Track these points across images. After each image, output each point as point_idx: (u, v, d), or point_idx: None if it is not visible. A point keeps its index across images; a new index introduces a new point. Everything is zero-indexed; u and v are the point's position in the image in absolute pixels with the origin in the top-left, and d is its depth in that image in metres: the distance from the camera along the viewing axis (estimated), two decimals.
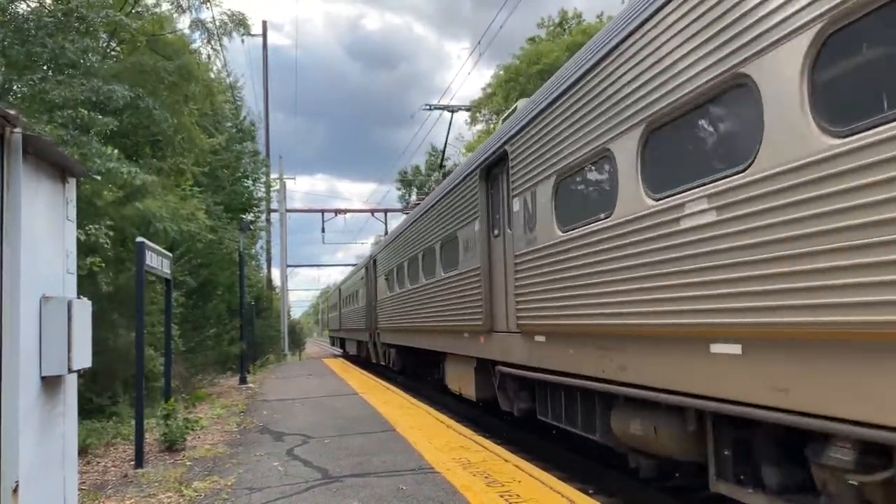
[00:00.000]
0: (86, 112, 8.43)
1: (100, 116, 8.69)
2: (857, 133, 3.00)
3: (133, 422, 7.51)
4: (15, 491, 3.35)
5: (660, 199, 4.54)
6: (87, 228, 7.67)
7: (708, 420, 4.29)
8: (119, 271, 9.60)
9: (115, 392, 9.43)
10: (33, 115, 7.98)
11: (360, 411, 10.53)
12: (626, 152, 4.92)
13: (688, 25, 4.16)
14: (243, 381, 17.24)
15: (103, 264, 8.22)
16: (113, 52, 11.67)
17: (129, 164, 8.95)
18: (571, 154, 5.90)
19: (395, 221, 34.62)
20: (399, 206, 50.75)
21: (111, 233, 8.19)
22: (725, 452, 4.15)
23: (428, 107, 18.25)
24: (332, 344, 48.23)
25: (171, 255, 8.41)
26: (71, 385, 4.19)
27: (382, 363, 20.28)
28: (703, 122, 4.22)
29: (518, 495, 5.12)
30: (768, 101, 3.52)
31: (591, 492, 6.19)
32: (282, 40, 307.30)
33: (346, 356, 33.43)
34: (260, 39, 31.85)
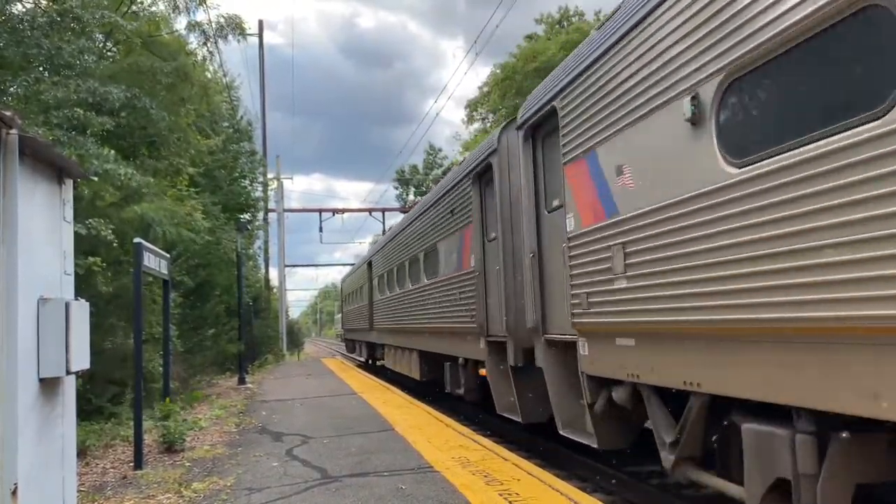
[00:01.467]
0: (81, 112, 8.41)
1: (96, 116, 8.67)
2: None
3: (132, 423, 7.51)
4: (14, 493, 3.34)
5: None
6: (87, 223, 7.62)
7: None
8: (117, 272, 9.59)
9: (113, 393, 9.42)
10: (29, 115, 7.96)
11: (359, 411, 10.53)
12: None
13: None
14: (242, 381, 17.22)
15: (104, 264, 8.21)
16: (109, 53, 11.65)
17: (126, 166, 8.94)
18: None
19: (393, 221, 34.52)
20: (397, 205, 50.75)
21: (112, 227, 8.16)
22: None
23: None
24: (351, 350, 31.66)
25: (168, 255, 8.41)
26: (69, 386, 4.19)
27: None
28: None
29: (517, 494, 5.12)
30: None
31: (590, 490, 6.20)
32: (276, 39, 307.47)
33: (366, 365, 24.58)
34: (255, 38, 31.80)
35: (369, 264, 21.31)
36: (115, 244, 8.14)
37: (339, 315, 58.02)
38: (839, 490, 3.45)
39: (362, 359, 26.66)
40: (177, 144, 12.00)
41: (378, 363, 22.52)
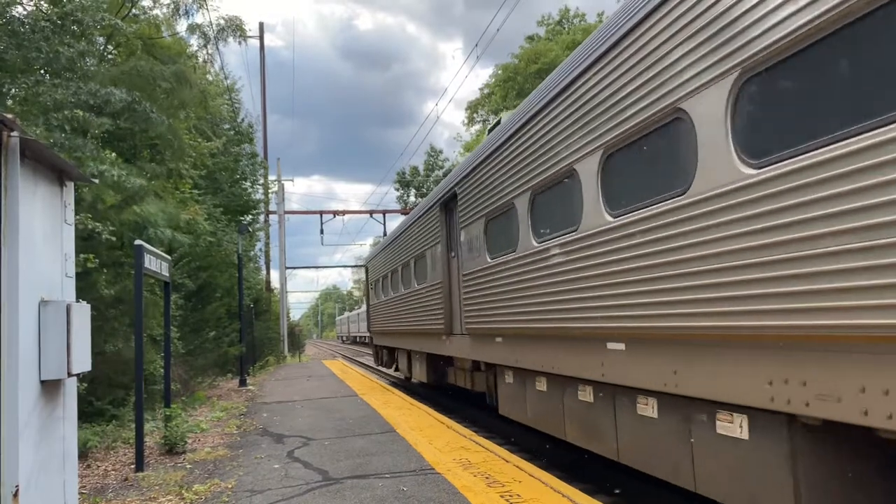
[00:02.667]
0: (81, 114, 8.41)
1: (95, 118, 8.67)
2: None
3: (133, 425, 7.51)
4: (15, 495, 3.34)
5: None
6: (77, 217, 7.56)
7: None
8: (118, 275, 9.59)
9: (115, 395, 9.42)
10: (27, 117, 7.97)
11: (360, 412, 10.52)
12: None
13: None
14: (243, 383, 17.23)
15: (97, 260, 8.16)
16: (109, 56, 11.67)
17: (121, 168, 8.93)
18: None
19: (394, 222, 34.42)
20: (397, 207, 50.76)
21: (101, 225, 8.12)
22: None
23: None
24: (387, 362, 20.11)
25: (169, 257, 8.41)
26: (70, 389, 4.19)
27: None
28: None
29: (519, 495, 5.12)
30: None
31: (592, 492, 6.20)
32: (275, 41, 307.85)
33: (405, 385, 18.14)
34: (254, 41, 31.82)
35: (444, 206, 10.87)
36: (111, 240, 8.09)
37: (360, 311, 52.33)
38: None
39: (405, 376, 17.71)
40: (179, 149, 12.01)
41: (445, 390, 13.65)
